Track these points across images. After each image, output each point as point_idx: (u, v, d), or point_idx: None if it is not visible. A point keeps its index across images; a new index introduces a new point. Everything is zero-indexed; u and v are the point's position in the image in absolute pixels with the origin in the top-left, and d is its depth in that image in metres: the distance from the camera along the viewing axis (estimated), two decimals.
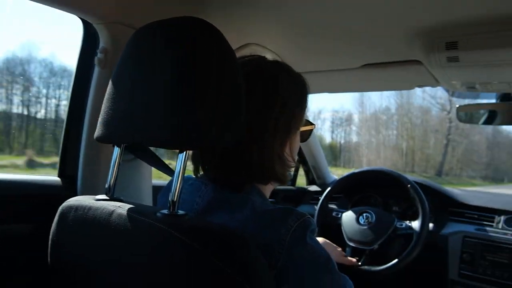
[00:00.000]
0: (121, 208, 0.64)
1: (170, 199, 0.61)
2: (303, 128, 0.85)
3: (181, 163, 0.62)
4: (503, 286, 1.51)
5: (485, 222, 1.69)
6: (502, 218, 1.67)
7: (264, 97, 0.74)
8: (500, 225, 1.65)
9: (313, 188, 2.22)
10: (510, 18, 0.92)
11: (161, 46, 0.62)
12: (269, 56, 0.83)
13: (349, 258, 1.50)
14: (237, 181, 0.76)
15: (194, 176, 0.84)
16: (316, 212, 1.79)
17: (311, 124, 0.91)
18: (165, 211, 0.60)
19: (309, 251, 0.67)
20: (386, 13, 0.96)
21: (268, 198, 0.82)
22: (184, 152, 0.61)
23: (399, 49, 1.19)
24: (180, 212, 0.61)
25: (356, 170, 1.89)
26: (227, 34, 0.64)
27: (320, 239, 1.39)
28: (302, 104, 0.81)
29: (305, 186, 2.27)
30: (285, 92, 0.76)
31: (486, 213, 1.72)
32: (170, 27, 0.63)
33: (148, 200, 1.20)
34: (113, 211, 0.64)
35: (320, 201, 1.82)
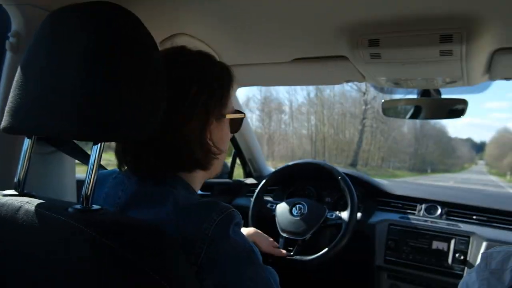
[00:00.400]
0: (29, 203, 0.60)
1: (83, 193, 0.58)
2: (231, 116, 0.84)
3: (95, 155, 0.59)
4: (423, 269, 1.62)
5: (408, 211, 1.80)
6: (423, 206, 1.79)
7: (180, 84, 0.73)
8: (421, 213, 1.77)
9: (250, 180, 2.24)
10: (426, 18, 0.98)
11: (75, 31, 0.59)
12: (201, 48, 0.82)
13: (280, 249, 1.53)
14: (159, 172, 0.74)
15: (118, 170, 0.81)
16: (251, 204, 1.81)
17: (241, 113, 0.91)
18: (78, 206, 0.57)
19: (232, 245, 0.66)
20: (311, 7, 0.97)
21: (196, 189, 0.81)
22: (99, 144, 0.59)
23: (327, 45, 1.22)
24: (95, 206, 0.59)
25: (290, 163, 1.93)
26: (154, 23, 0.62)
27: (251, 230, 1.41)
28: (222, 88, 0.80)
29: (242, 179, 2.28)
30: (203, 78, 0.75)
31: (409, 202, 1.83)
32: (85, 11, 0.60)
33: (72, 196, 1.14)
34: (20, 207, 0.60)
35: (255, 193, 1.84)
